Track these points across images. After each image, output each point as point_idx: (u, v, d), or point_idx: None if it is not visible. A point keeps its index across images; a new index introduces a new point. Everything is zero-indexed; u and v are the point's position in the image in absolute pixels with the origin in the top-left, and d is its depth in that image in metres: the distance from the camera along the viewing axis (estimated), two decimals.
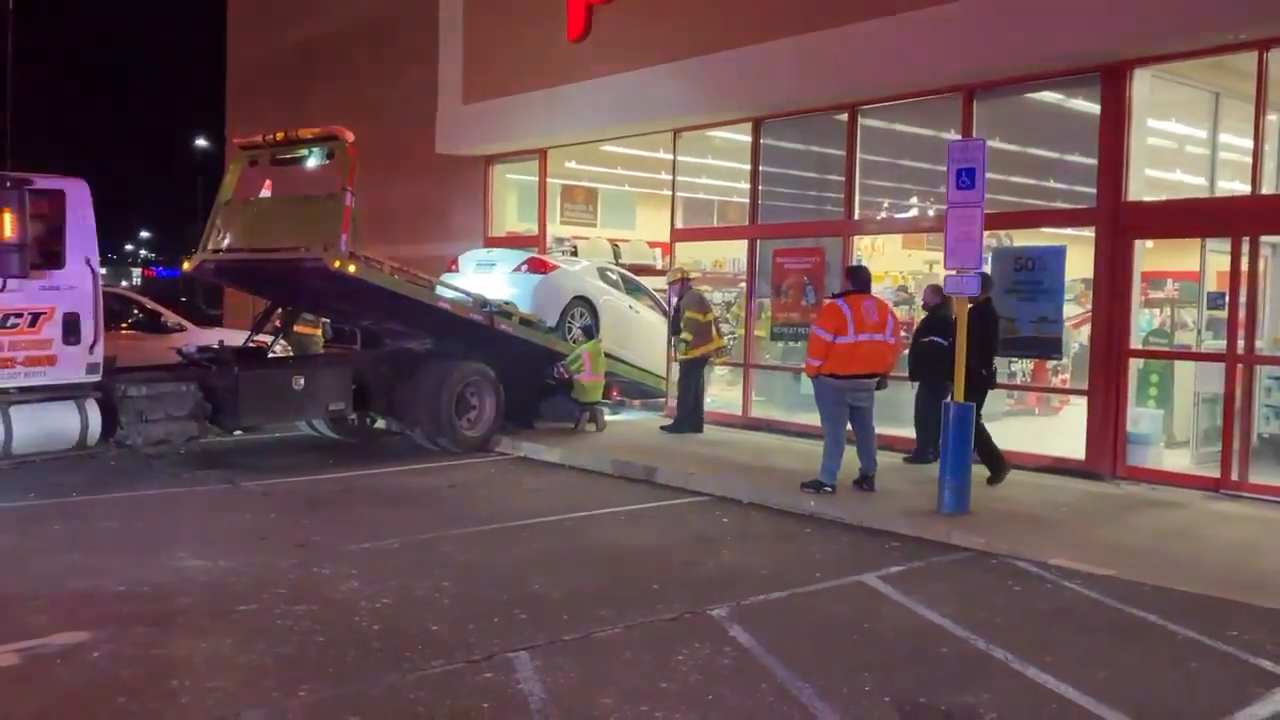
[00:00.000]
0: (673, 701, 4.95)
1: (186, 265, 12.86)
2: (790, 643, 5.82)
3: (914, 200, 12.88)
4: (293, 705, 4.82)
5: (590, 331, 13.34)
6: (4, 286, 8.48)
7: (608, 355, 13.39)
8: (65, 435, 9.01)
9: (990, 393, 10.05)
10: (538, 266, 13.70)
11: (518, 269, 13.65)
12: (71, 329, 8.94)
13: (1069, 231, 11.83)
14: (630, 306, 14.70)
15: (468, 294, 12.44)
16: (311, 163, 11.45)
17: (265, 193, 12.42)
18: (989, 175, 8.77)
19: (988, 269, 11.17)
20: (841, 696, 5.05)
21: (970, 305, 9.83)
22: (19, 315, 8.67)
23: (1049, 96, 11.31)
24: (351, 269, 10.59)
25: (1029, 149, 12.04)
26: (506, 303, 12.83)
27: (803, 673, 5.32)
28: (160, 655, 5.42)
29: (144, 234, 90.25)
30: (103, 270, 9.39)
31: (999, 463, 9.83)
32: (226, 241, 11.75)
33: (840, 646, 5.84)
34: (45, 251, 8.84)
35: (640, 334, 14.66)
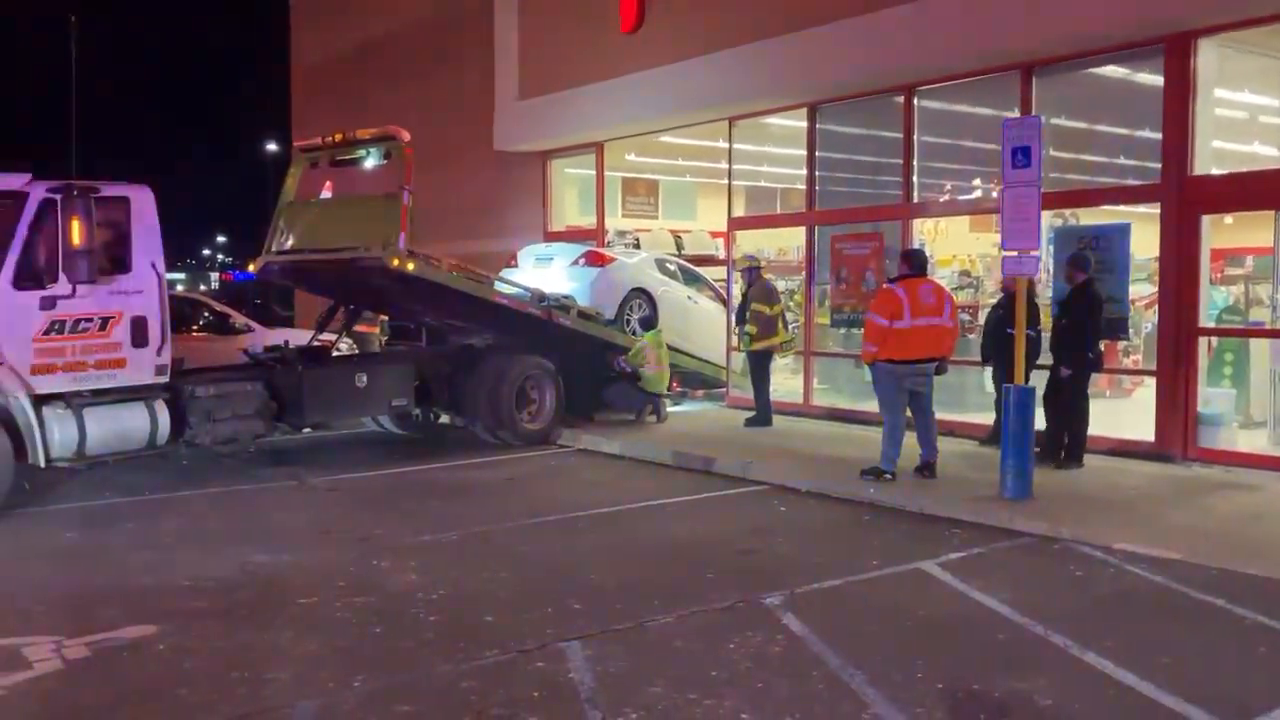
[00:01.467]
0: (722, 689, 4.94)
1: (251, 267, 13.14)
2: (843, 630, 5.78)
3: (975, 182, 12.66)
4: (347, 696, 4.91)
5: (649, 323, 13.34)
6: (74, 292, 8.70)
7: (668, 347, 13.38)
8: (136, 436, 9.24)
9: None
10: (595, 260, 13.76)
11: (575, 262, 13.72)
12: (139, 332, 9.16)
13: (1138, 209, 11.54)
14: (689, 297, 14.68)
15: (526, 289, 12.53)
16: (369, 163, 11.62)
17: (326, 194, 12.63)
18: (1050, 153, 8.58)
19: (1049, 249, 11.00)
20: (893, 683, 5.00)
21: (1075, 286, 9.71)
22: (89, 320, 8.90)
23: (1110, 71, 11.03)
24: (410, 267, 10.73)
25: (1091, 125, 11.76)
26: (565, 297, 12.90)
27: (855, 660, 5.28)
28: (222, 647, 5.55)
29: (220, 239, 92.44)
30: (182, 275, 9.63)
31: (1079, 451, 9.65)
32: (289, 242, 11.98)
33: (894, 633, 5.78)
34: (112, 257, 9.05)
35: (700, 324, 14.63)
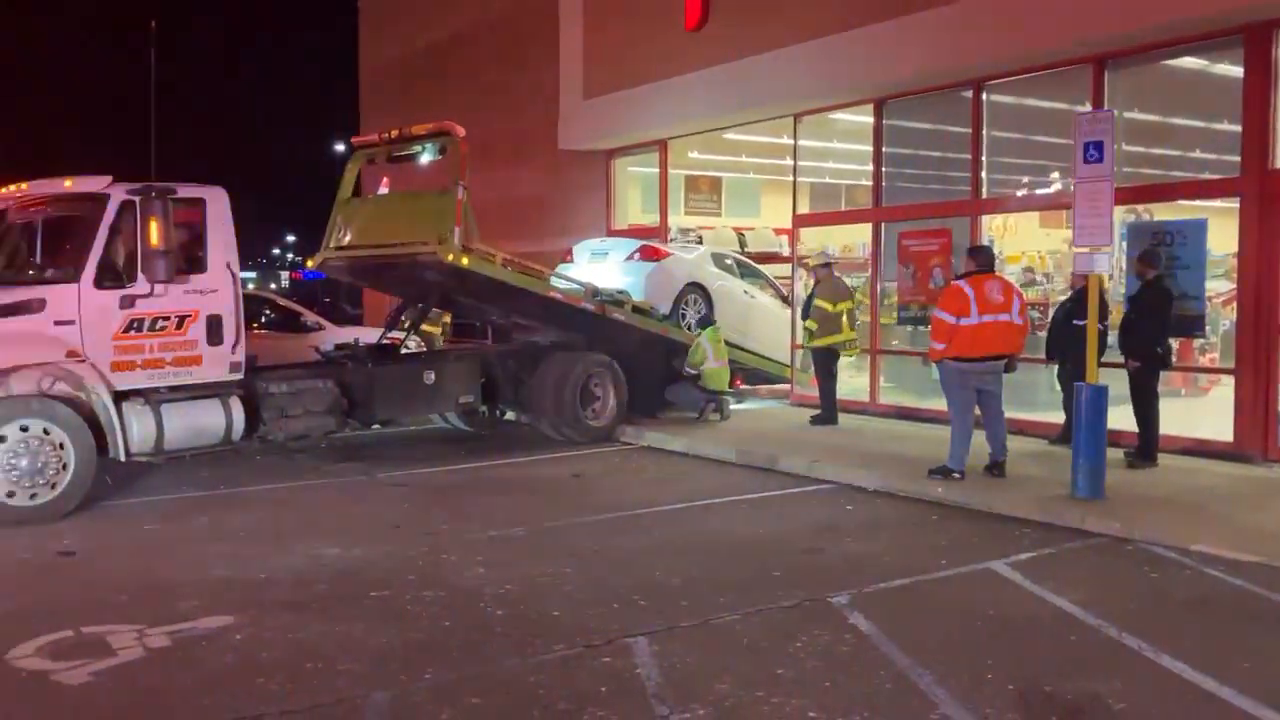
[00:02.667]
0: (789, 687, 4.94)
1: (310, 264, 13.35)
2: (912, 630, 5.73)
3: (1046, 177, 12.46)
4: (418, 688, 4.99)
5: (706, 320, 13.26)
6: (152, 291, 8.92)
7: (727, 344, 13.34)
8: (211, 431, 9.44)
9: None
10: (650, 254, 13.67)
11: (630, 257, 13.66)
12: (215, 330, 9.36)
13: (1215, 204, 11.26)
14: (745, 291, 14.52)
15: (579, 283, 12.53)
16: (425, 158, 11.71)
17: (383, 189, 12.78)
18: (1123, 147, 8.42)
19: (1121, 245, 10.78)
20: (962, 684, 4.95)
21: (1146, 281, 9.54)
22: (166, 318, 9.12)
23: (1186, 62, 10.79)
24: (464, 262, 10.79)
25: (1165, 118, 11.51)
26: (620, 291, 12.89)
27: (923, 660, 5.24)
28: (296, 639, 5.67)
29: (290, 238, 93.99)
30: (253, 274, 9.84)
31: (1152, 450, 9.46)
32: (347, 239, 12.11)
33: (963, 634, 5.73)
34: (188, 257, 9.26)
35: (758, 319, 14.49)
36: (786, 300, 15.08)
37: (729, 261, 14.73)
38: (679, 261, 13.86)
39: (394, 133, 11.88)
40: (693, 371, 12.92)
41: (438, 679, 5.10)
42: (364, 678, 5.11)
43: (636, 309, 12.84)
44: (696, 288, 13.71)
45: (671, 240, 16.20)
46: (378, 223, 11.95)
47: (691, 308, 13.59)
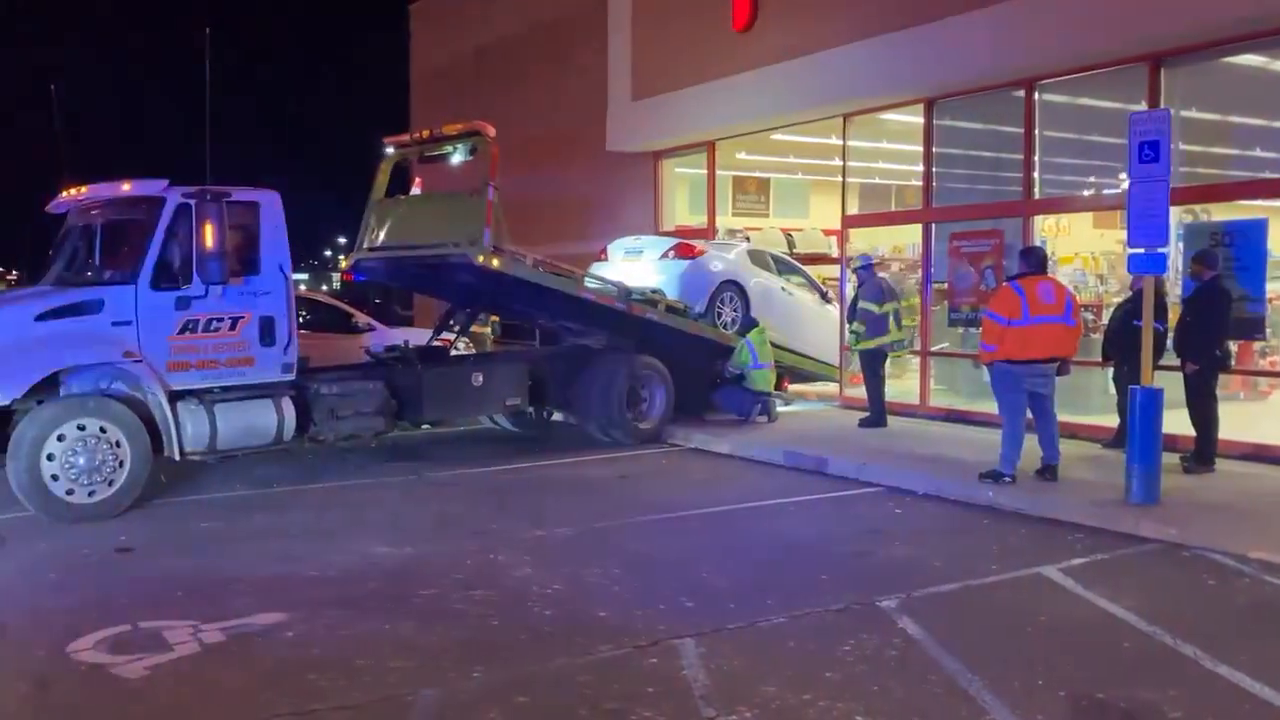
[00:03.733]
0: (836, 691, 4.91)
1: (344, 264, 13.36)
2: (962, 635, 5.68)
3: (1099, 178, 12.28)
4: (467, 686, 5.03)
5: (750, 324, 13.08)
6: (207, 293, 9.08)
7: (776, 346, 13.27)
8: (264, 431, 9.57)
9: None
10: (684, 252, 13.47)
11: (664, 255, 13.47)
12: (267, 331, 9.49)
13: (1274, 204, 11.04)
14: (783, 289, 14.27)
15: (611, 283, 12.38)
16: (456, 159, 11.66)
17: (415, 190, 12.79)
18: (1179, 147, 8.28)
19: (1178, 246, 10.60)
20: (1014, 691, 4.90)
21: (1202, 283, 9.39)
22: (220, 320, 9.27)
23: (1246, 59, 10.58)
24: (495, 264, 10.75)
25: (1223, 116, 11.29)
26: (654, 290, 12.79)
27: (973, 665, 5.19)
28: (347, 636, 5.74)
29: (341, 240, 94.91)
30: (305, 275, 9.96)
31: (1209, 454, 9.31)
32: (380, 239, 12.10)
33: (1014, 639, 5.66)
34: (242, 259, 9.39)
35: (798, 319, 14.28)
36: (827, 298, 14.92)
37: (767, 259, 14.44)
38: (713, 259, 13.59)
39: (425, 133, 11.87)
40: (735, 371, 12.86)
41: (486, 678, 5.13)
42: (413, 675, 5.16)
43: (670, 308, 12.70)
44: (733, 285, 13.47)
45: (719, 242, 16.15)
46: (409, 223, 11.92)
47: (728, 306, 13.39)
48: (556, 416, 13.11)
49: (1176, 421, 9.32)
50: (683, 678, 5.10)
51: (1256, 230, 10.07)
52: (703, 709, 4.73)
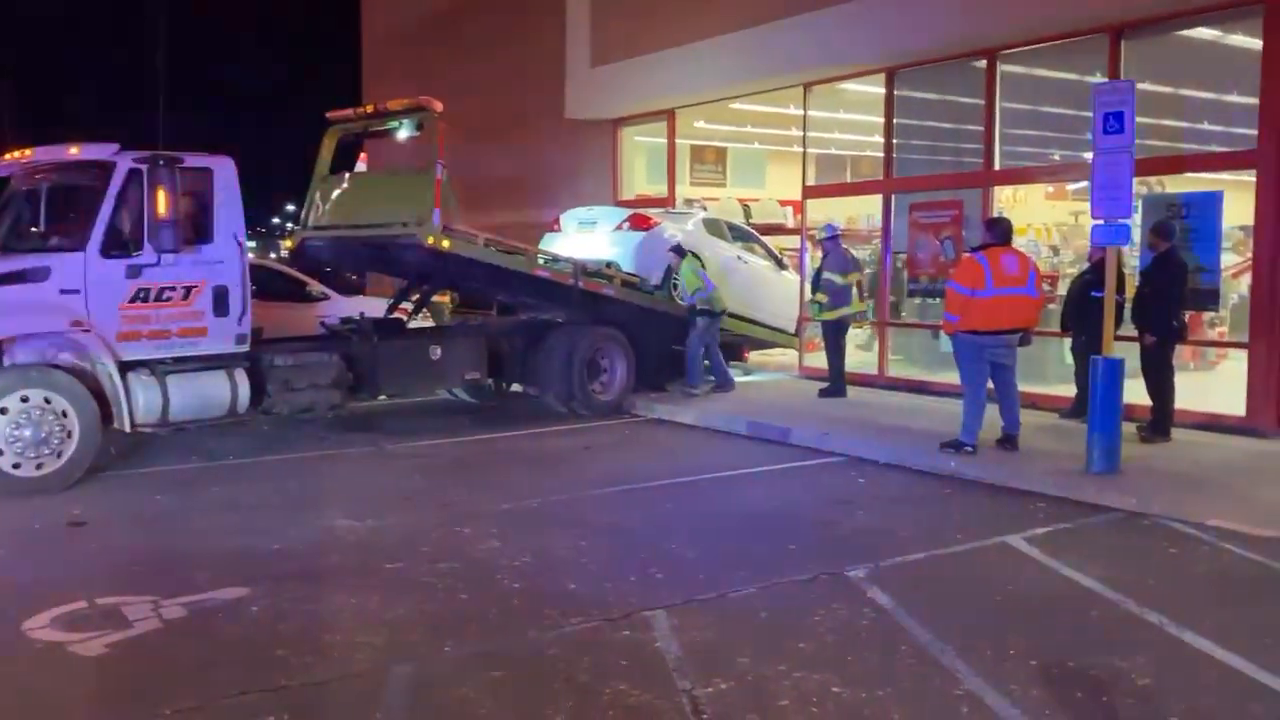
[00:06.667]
0: (810, 662, 4.90)
1: (288, 244, 13.00)
2: (930, 604, 5.70)
3: (1062, 150, 12.35)
4: (438, 660, 4.96)
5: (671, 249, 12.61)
6: (159, 261, 8.83)
7: (732, 315, 13.17)
8: (217, 403, 9.37)
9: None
10: (639, 223, 13.22)
11: (619, 227, 13.24)
12: (221, 302, 9.27)
13: (1224, 176, 11.17)
14: (739, 258, 14.10)
15: (566, 260, 12.19)
16: (402, 135, 11.39)
17: (362, 165, 12.48)
18: (1138, 119, 8.32)
19: (1137, 218, 10.68)
20: (985, 660, 4.92)
21: (1159, 254, 9.47)
22: (172, 289, 9.03)
23: (1203, 33, 10.67)
24: (446, 245, 10.52)
25: (1180, 90, 11.38)
26: (609, 264, 12.63)
27: (944, 635, 5.21)
28: (313, 611, 5.64)
29: (289, 207, 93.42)
30: (253, 243, 9.72)
31: (1166, 424, 9.44)
32: (326, 219, 11.76)
33: (983, 608, 5.70)
34: (195, 227, 9.14)
35: (756, 288, 14.14)
36: (783, 265, 14.86)
37: (723, 228, 14.28)
38: (669, 230, 13.33)
39: (370, 108, 11.53)
40: (701, 303, 12.36)
41: (457, 652, 5.07)
42: (383, 650, 5.08)
43: (626, 283, 12.55)
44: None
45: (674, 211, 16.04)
46: (356, 202, 11.57)
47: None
48: (515, 388, 12.98)
49: (1132, 391, 9.43)
50: (656, 650, 5.07)
51: (1212, 202, 10.19)
52: (677, 681, 4.70)
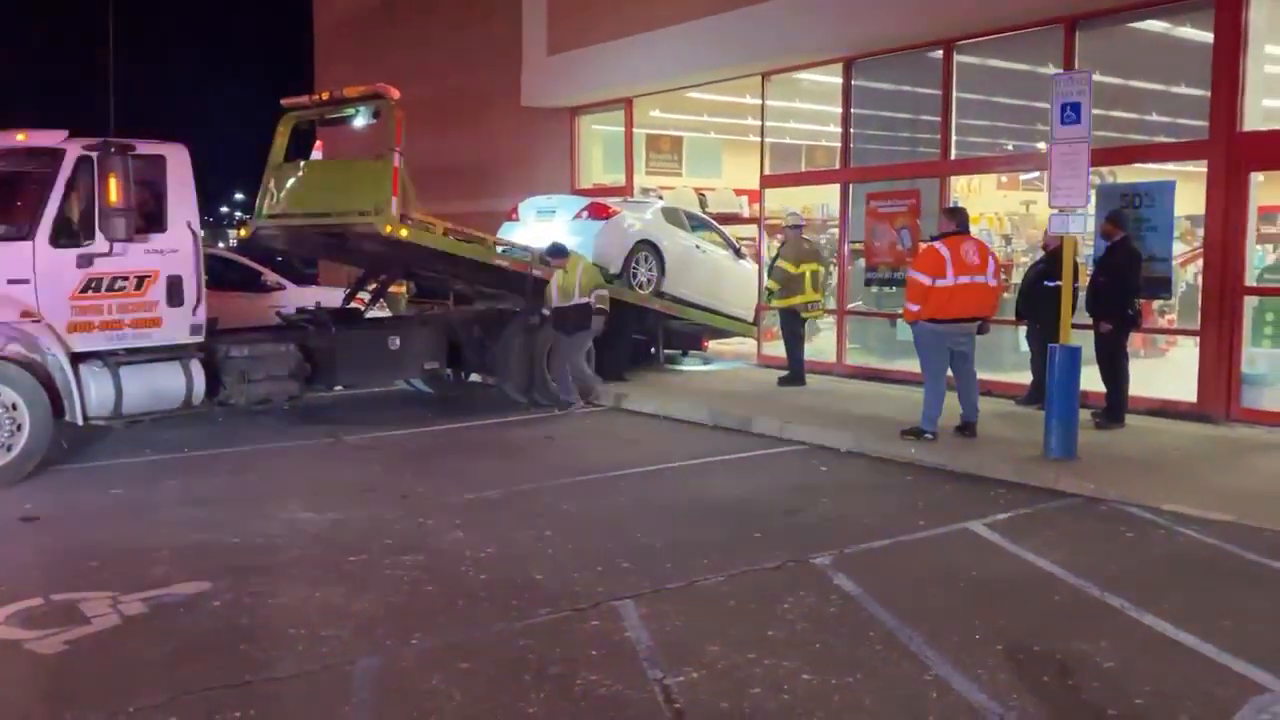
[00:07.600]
0: (780, 649, 4.92)
1: (242, 233, 12.77)
2: (897, 591, 5.74)
3: (1017, 140, 12.47)
4: (405, 653, 4.91)
5: (552, 248, 11.83)
6: (110, 250, 8.65)
7: (678, 301, 13.12)
8: (172, 395, 9.21)
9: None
10: (598, 212, 13.11)
11: (578, 215, 13.12)
12: (175, 291, 9.11)
13: (1173, 166, 11.36)
14: (698, 247, 14.06)
15: (523, 249, 12.09)
16: (359, 122, 11.22)
17: (316, 154, 12.32)
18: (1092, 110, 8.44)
19: (1090, 207, 10.83)
20: (953, 644, 4.97)
21: (1113, 243, 9.59)
22: (125, 279, 8.86)
23: (1155, 25, 10.82)
24: (403, 233, 10.42)
25: (1133, 81, 11.54)
26: None
27: (911, 620, 5.25)
28: (276, 604, 5.56)
29: (239, 195, 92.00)
30: (201, 232, 9.54)
31: (1120, 410, 9.58)
32: (280, 207, 11.58)
33: (948, 594, 5.75)
34: (147, 215, 8.97)
35: (715, 277, 14.13)
36: (740, 254, 14.89)
37: (681, 217, 14.23)
38: (628, 219, 13.27)
39: (325, 95, 11.34)
40: (591, 303, 11.52)
41: (425, 644, 5.02)
42: (349, 643, 5.02)
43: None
44: (648, 245, 13.18)
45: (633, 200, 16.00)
46: (311, 190, 11.39)
47: (643, 266, 13.10)
48: (474, 378, 12.88)
49: (1086, 378, 9.55)
50: (626, 640, 5.06)
51: (1165, 192, 10.35)
52: (649, 670, 4.69)
